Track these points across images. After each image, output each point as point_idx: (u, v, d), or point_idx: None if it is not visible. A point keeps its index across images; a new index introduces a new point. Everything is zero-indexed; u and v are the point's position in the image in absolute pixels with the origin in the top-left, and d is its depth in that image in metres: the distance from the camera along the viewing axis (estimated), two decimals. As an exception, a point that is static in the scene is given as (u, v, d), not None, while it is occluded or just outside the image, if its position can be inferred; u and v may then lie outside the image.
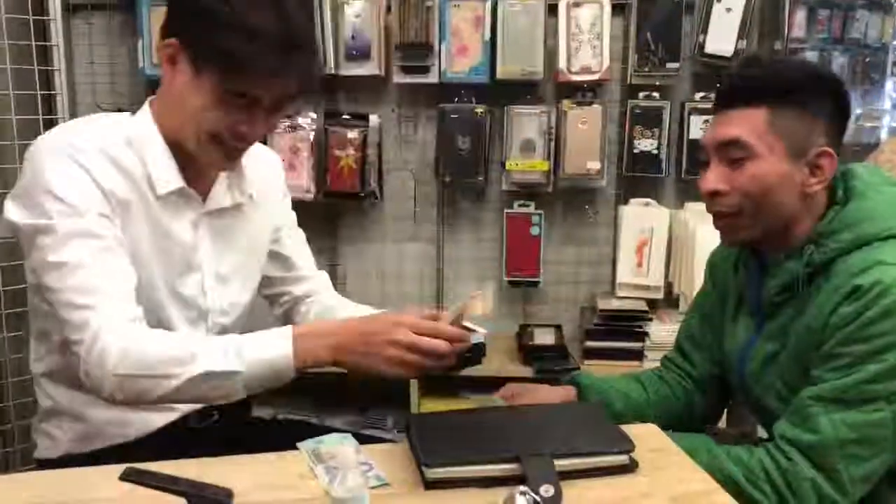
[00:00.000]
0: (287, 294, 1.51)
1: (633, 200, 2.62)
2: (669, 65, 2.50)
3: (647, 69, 2.51)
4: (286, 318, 1.52)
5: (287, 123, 2.52)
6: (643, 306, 2.56)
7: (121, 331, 1.11)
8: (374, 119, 2.59)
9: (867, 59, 2.66)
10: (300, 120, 2.55)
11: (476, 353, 1.13)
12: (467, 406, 2.40)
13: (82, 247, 1.14)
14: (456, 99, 2.54)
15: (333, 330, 1.12)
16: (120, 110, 2.10)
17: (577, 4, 2.48)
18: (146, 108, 1.28)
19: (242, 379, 1.09)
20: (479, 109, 2.53)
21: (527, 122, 2.54)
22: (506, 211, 2.63)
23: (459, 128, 2.54)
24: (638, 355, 2.50)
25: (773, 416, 1.27)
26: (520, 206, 2.62)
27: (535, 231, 2.62)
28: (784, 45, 2.49)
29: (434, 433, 1.12)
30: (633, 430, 1.14)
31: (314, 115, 2.58)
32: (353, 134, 2.57)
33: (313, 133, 2.56)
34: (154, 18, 2.48)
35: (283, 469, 1.07)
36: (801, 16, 2.56)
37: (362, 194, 2.59)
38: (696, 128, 2.51)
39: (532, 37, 2.47)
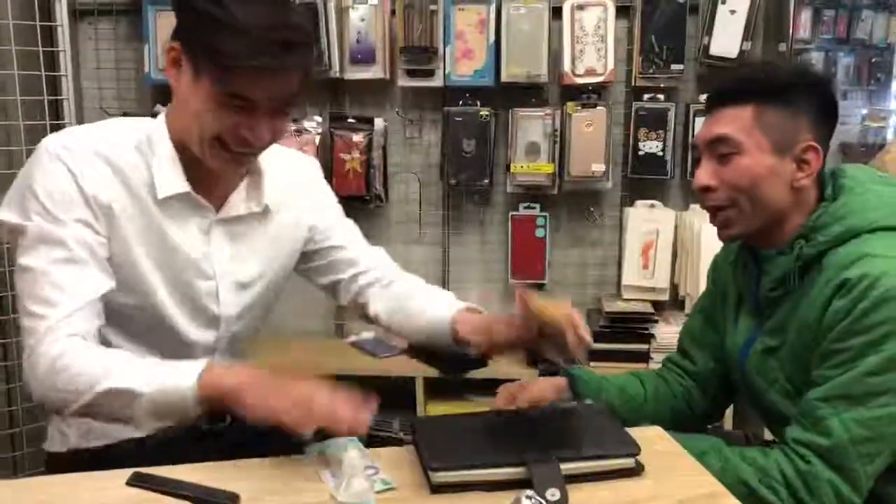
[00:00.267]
0: (339, 284, 1.46)
1: (638, 202, 2.62)
2: (674, 67, 2.50)
3: (651, 71, 2.52)
4: (356, 309, 1.48)
5: (293, 128, 2.52)
6: (649, 308, 2.56)
7: (57, 344, 1.13)
8: (379, 122, 2.59)
9: (873, 60, 2.65)
10: (305, 123, 2.56)
11: (468, 364, 1.13)
12: (473, 408, 2.40)
13: (47, 254, 1.16)
14: (461, 102, 2.55)
15: (248, 371, 1.12)
16: (125, 115, 2.11)
17: (581, 7, 2.48)
18: (162, 114, 1.29)
19: (146, 401, 1.09)
20: (484, 112, 2.54)
21: (532, 125, 2.54)
22: (511, 213, 2.63)
23: (464, 131, 2.54)
24: (644, 357, 2.50)
25: (778, 412, 1.27)
26: (525, 208, 2.63)
27: (540, 233, 2.62)
28: (789, 46, 2.49)
29: (440, 437, 1.12)
30: (639, 433, 1.14)
31: (319, 119, 2.59)
32: (358, 137, 2.58)
33: (319, 137, 2.57)
34: (160, 24, 2.50)
35: (289, 473, 1.08)
36: (805, 17, 2.56)
37: (367, 197, 2.60)
38: (702, 129, 2.51)
39: (536, 39, 2.47)
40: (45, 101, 2.30)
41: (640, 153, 2.57)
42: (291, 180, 1.40)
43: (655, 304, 2.59)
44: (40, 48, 2.25)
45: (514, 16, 2.48)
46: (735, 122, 1.24)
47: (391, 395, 2.60)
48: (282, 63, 1.13)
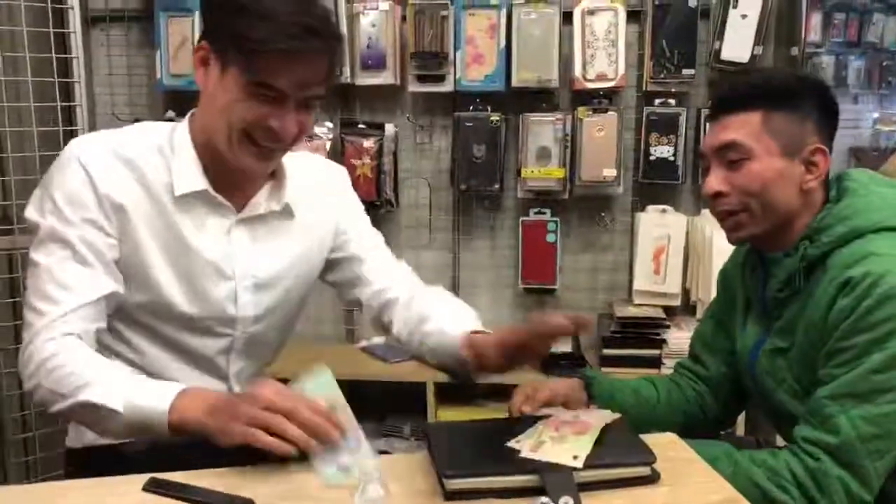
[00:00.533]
0: (360, 300, 1.46)
1: (649, 207, 2.62)
2: (685, 71, 2.50)
3: (662, 76, 2.52)
4: (379, 327, 1.48)
5: (304, 133, 2.53)
6: (660, 313, 2.56)
7: (52, 342, 1.16)
8: (389, 128, 2.60)
9: (884, 63, 2.64)
10: (316, 129, 2.57)
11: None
12: (484, 413, 2.40)
13: (55, 252, 1.20)
14: (471, 107, 2.55)
15: (216, 395, 1.13)
16: (136, 121, 2.12)
17: (591, 12, 2.48)
18: (186, 118, 1.30)
19: (122, 420, 1.10)
20: (495, 117, 2.54)
21: (542, 130, 2.54)
22: (522, 218, 2.63)
23: (475, 136, 2.54)
24: (655, 363, 2.49)
25: (788, 414, 1.27)
26: (536, 213, 2.63)
27: (551, 238, 2.62)
28: (800, 50, 2.48)
29: (454, 443, 1.12)
30: (653, 440, 1.13)
31: (330, 125, 2.60)
32: (368, 143, 2.58)
33: (329, 142, 2.58)
34: (171, 30, 2.51)
35: (304, 480, 1.08)
36: (816, 20, 2.55)
37: (378, 203, 2.60)
38: (713, 134, 2.51)
39: (547, 44, 2.48)
40: (59, 108, 2.32)
41: (651, 158, 2.57)
42: (317, 183, 1.41)
43: (667, 309, 2.59)
44: (53, 55, 2.27)
45: (524, 21, 2.48)
46: (744, 127, 1.26)
47: (402, 399, 2.61)
48: (308, 46, 1.15)
